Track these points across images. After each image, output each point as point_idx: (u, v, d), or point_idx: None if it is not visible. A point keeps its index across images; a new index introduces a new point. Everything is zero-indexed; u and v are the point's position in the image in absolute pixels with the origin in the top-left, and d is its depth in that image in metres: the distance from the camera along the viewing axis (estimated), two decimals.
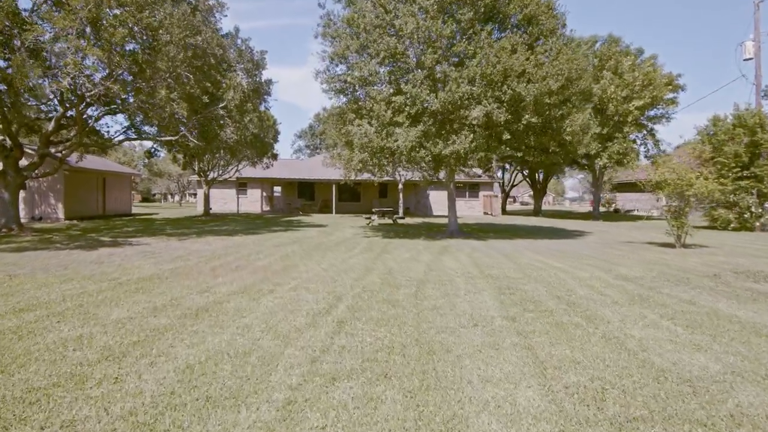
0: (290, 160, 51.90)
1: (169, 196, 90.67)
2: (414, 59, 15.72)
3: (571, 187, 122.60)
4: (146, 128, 21.18)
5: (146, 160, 64.00)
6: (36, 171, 18.06)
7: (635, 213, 45.73)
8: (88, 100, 16.04)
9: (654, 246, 15.74)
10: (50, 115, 18.39)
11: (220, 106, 18.92)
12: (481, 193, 38.64)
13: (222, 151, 25.07)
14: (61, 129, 18.07)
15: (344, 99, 18.21)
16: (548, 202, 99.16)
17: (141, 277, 8.86)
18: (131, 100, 15.93)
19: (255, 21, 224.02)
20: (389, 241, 16.16)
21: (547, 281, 8.91)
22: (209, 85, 16.91)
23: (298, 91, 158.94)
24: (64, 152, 17.49)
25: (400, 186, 31.54)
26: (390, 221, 25.57)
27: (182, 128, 19.16)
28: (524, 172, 44.11)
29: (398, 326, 5.82)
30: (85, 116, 18.32)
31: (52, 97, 17.59)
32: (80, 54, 13.95)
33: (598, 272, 10.06)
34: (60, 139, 19.47)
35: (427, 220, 29.77)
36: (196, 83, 15.94)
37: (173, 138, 19.38)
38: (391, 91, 16.21)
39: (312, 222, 26.32)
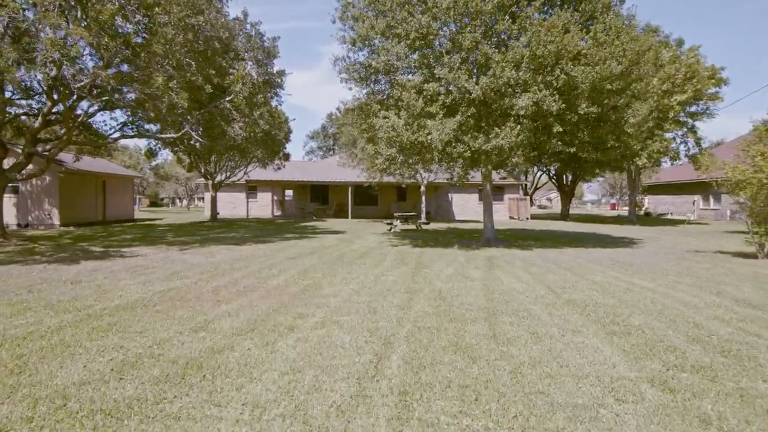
0: (302, 161, 49.80)
1: (178, 201, 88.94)
2: (448, 41, 13.57)
3: (589, 190, 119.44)
4: (147, 126, 19.22)
5: (152, 163, 62.13)
6: (22, 172, 16.13)
7: (669, 216, 43.16)
8: (76, 92, 14.09)
9: (731, 256, 13.43)
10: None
11: (227, 99, 16.87)
12: (506, 196, 36.26)
13: (229, 152, 22.90)
14: (49, 125, 16.10)
15: (365, 90, 16.09)
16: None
17: (121, 305, 6.78)
18: (125, 90, 13.87)
19: (262, 25, 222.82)
20: (421, 251, 14.01)
21: (655, 311, 6.70)
22: (213, 72, 14.77)
23: (305, 93, 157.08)
24: (52, 151, 15.51)
25: (423, 188, 29.30)
26: (413, 227, 23.42)
27: (185, 125, 17.17)
28: (550, 173, 41.65)
29: (498, 403, 3.67)
30: (78, 111, 16.41)
31: (41, 90, 15.72)
32: (64, 36, 11.99)
33: (706, 295, 7.83)
34: (49, 137, 17.54)
35: (451, 225, 27.56)
36: (199, 70, 13.83)
37: (175, 136, 17.39)
38: (422, 78, 14.05)
39: (328, 228, 24.23)
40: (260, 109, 19.09)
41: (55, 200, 23.48)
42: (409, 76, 14.56)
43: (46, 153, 15.84)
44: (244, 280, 8.91)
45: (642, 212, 47.83)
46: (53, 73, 12.66)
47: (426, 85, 13.48)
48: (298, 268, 10.35)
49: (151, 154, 25.23)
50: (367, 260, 11.90)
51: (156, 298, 7.30)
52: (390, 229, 22.88)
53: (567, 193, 40.50)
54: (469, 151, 13.38)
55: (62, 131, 16.12)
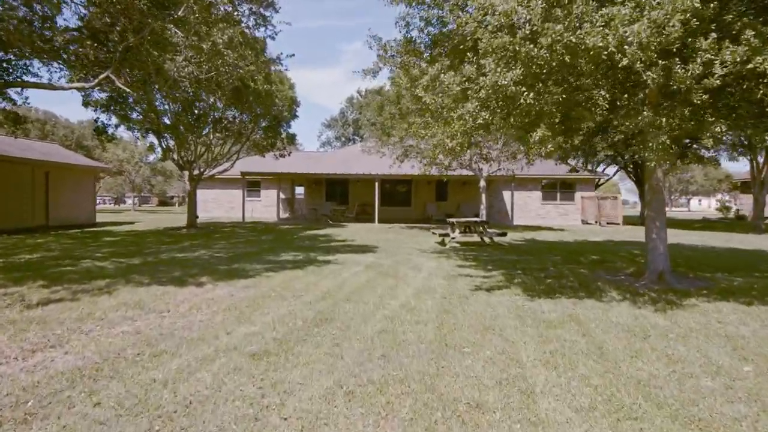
0: (316, 152, 41.58)
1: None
2: None
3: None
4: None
5: (150, 157, 54.35)
6: None
7: None
8: None
9: None
10: None
11: (173, 14, 9.18)
12: (578, 194, 27.90)
13: (197, 121, 14.82)
14: None
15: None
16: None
17: None
18: None
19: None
20: (561, 312, 6.06)
21: None
22: None
23: (327, 92, 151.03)
24: None
25: (483, 183, 21.15)
26: (477, 238, 15.41)
27: (109, 73, 9.44)
28: (625, 165, 32.98)
29: None
30: None
31: None
32: None
33: None
34: None
35: (524, 235, 19.37)
36: None
37: (87, 85, 9.67)
38: None
39: (349, 239, 16.37)
40: (228, 30, 10.84)
41: None
42: None
43: None
44: None
45: (731, 214, 39.05)
46: None
47: None
48: None
49: (100, 132, 17.70)
50: (467, 366, 3.92)
51: None
52: (444, 242, 14.93)
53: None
54: (717, 76, 5.32)
55: None
